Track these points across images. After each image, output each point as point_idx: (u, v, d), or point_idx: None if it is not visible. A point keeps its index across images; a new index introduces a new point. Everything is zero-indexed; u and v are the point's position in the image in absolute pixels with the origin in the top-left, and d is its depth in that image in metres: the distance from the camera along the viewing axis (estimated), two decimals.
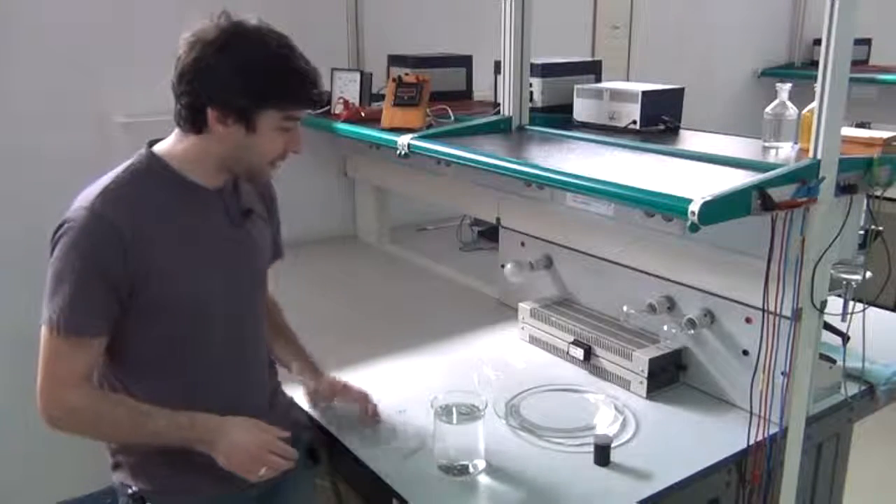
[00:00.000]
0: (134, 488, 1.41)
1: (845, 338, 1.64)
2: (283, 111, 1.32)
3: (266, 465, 1.35)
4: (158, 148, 1.39)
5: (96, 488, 2.66)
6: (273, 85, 1.30)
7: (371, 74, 2.55)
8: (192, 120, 1.32)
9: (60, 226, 1.30)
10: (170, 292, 1.34)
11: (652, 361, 1.69)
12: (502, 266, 2.15)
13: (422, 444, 1.49)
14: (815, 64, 1.42)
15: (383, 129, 2.19)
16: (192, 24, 1.30)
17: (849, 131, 1.59)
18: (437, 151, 1.98)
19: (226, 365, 1.44)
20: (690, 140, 1.95)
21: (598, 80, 2.33)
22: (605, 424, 1.57)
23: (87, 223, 1.27)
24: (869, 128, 2.14)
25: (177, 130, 1.37)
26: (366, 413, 1.59)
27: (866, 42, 4.08)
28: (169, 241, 1.33)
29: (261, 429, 1.38)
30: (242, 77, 1.27)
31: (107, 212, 1.28)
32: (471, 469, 1.43)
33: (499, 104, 2.22)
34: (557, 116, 2.21)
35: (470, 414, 1.44)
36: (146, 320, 1.34)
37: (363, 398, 1.61)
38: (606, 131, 2.03)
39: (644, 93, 1.99)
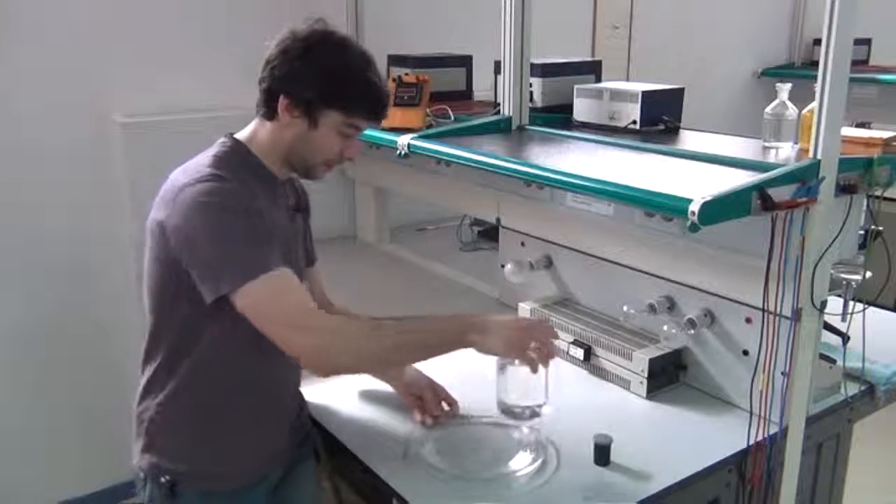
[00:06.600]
0: (166, 478, 1.40)
1: (845, 338, 1.64)
2: (346, 116, 1.39)
3: (534, 338, 1.40)
4: (240, 135, 1.45)
5: (97, 488, 2.67)
6: (343, 88, 1.38)
7: None
8: (266, 105, 1.40)
9: (168, 216, 1.30)
10: None
11: (652, 361, 1.69)
12: (502, 266, 2.15)
13: (420, 444, 1.49)
14: (815, 64, 1.41)
15: (383, 129, 2.18)
16: (292, 25, 1.40)
17: (849, 131, 1.60)
18: (437, 151, 1.98)
19: (268, 354, 1.40)
20: (690, 140, 1.95)
21: (598, 80, 2.33)
22: (521, 467, 1.43)
23: (220, 185, 1.30)
24: (869, 128, 2.15)
25: (256, 119, 1.44)
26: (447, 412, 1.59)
27: (866, 42, 4.08)
28: None
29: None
30: (318, 73, 1.36)
31: (228, 175, 1.33)
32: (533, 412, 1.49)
33: (499, 104, 2.22)
34: (557, 116, 2.21)
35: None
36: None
37: (451, 401, 1.61)
38: (606, 131, 2.03)
39: (644, 93, 1.99)
